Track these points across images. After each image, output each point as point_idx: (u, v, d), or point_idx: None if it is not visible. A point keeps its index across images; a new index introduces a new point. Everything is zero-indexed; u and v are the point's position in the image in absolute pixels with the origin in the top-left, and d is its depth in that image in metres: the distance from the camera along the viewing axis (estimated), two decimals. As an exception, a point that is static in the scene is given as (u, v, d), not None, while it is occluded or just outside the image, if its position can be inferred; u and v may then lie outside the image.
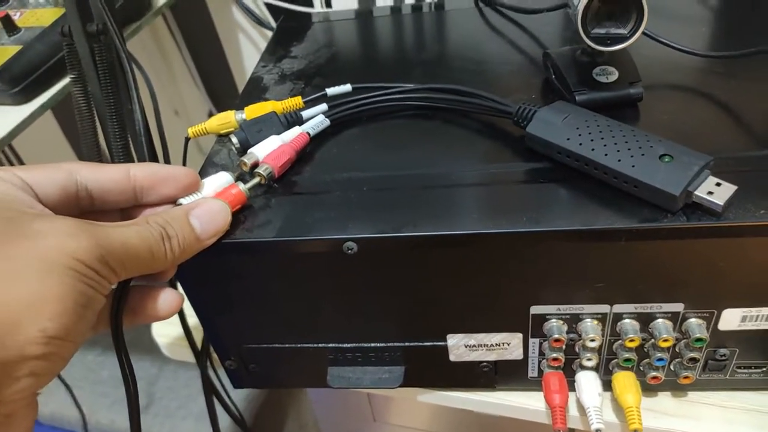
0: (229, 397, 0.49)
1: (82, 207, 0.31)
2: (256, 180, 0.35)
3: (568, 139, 0.34)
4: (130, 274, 0.28)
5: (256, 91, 0.47)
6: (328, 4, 0.75)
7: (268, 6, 0.78)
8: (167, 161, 0.48)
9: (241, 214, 0.34)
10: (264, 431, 0.96)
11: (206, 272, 0.35)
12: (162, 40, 0.90)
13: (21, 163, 0.86)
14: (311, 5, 0.75)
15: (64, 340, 0.24)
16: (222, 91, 0.93)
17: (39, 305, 0.23)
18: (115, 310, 0.31)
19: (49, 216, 0.27)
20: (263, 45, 0.85)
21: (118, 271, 0.27)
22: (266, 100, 0.43)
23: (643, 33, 0.39)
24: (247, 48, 0.88)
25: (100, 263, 0.25)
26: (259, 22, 0.80)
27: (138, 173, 0.32)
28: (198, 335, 0.46)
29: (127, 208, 0.33)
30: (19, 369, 0.23)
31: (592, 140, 0.33)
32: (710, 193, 0.30)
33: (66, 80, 0.58)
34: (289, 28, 0.57)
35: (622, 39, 0.35)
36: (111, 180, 0.31)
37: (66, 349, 0.25)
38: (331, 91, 0.43)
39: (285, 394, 1.01)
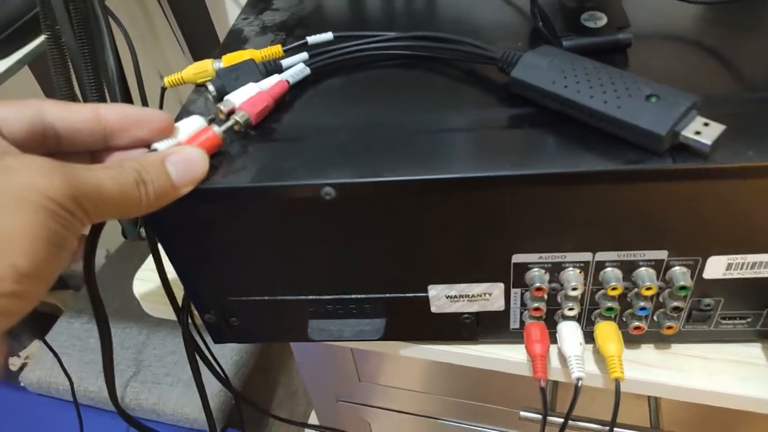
0: (212, 355, 0.49)
1: (49, 147, 0.30)
2: (230, 122, 0.34)
3: (553, 82, 0.33)
4: (102, 218, 0.27)
5: (235, 42, 0.46)
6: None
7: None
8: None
9: (215, 160, 0.33)
10: (253, 397, 0.96)
11: (180, 221, 0.34)
12: (145, 1, 0.88)
13: None
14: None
15: (35, 278, 0.23)
16: (207, 53, 0.91)
17: (10, 242, 0.22)
18: (88, 253, 0.30)
19: (18, 153, 0.26)
20: (248, 5, 0.83)
21: (91, 213, 0.26)
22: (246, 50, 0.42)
23: (633, -24, 0.38)
24: (233, 8, 0.86)
25: (72, 203, 0.25)
26: (245, -19, 0.78)
27: (108, 113, 0.31)
28: (179, 292, 0.45)
29: (97, 152, 0.32)
30: None
31: (577, 83, 0.32)
32: (698, 132, 0.29)
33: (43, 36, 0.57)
34: (272, -19, 0.56)
35: (610, -21, 0.34)
36: (79, 119, 0.30)
37: (38, 288, 0.24)
38: (311, 39, 0.42)
39: (274, 361, 1.01)
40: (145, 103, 0.53)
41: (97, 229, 0.30)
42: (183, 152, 0.31)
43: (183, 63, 0.92)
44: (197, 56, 0.92)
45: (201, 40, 0.90)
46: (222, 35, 0.89)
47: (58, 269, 0.25)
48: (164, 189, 0.29)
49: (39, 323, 1.05)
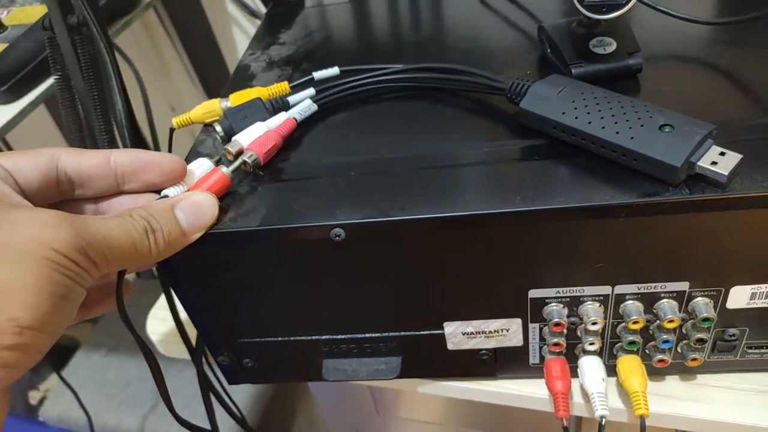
0: (227, 393, 0.48)
1: (63, 193, 0.30)
2: (239, 162, 0.33)
3: (563, 113, 0.32)
4: (112, 268, 0.27)
5: (243, 79, 0.46)
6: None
7: (261, -4, 0.77)
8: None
9: (224, 202, 0.33)
10: (272, 429, 0.95)
11: (190, 265, 0.34)
12: (155, 35, 0.89)
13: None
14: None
15: (39, 331, 0.23)
16: (218, 86, 0.92)
17: (10, 294, 0.22)
18: (119, 299, 0.31)
19: (26, 206, 0.26)
20: (257, 37, 0.83)
21: (100, 263, 0.26)
22: (253, 87, 0.42)
23: (641, 1, 0.37)
24: (242, 41, 0.86)
25: (79, 254, 0.25)
26: (252, 13, 0.78)
27: (120, 158, 0.31)
28: (193, 331, 0.45)
29: (109, 197, 0.32)
30: None
31: (588, 113, 0.31)
32: (714, 163, 0.28)
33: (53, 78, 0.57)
34: (279, 15, 0.56)
35: (617, 6, 0.34)
36: (91, 165, 0.30)
37: (41, 341, 0.24)
38: (318, 74, 0.42)
39: (292, 391, 1.00)
40: (156, 140, 0.54)
41: (120, 277, 0.31)
42: (192, 198, 0.31)
43: (195, 96, 0.93)
44: (209, 89, 0.92)
45: (212, 73, 0.91)
46: (232, 67, 0.90)
47: (65, 321, 0.25)
48: (174, 237, 0.29)
49: (58, 356, 1.05)
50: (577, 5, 0.34)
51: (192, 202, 0.31)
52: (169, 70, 0.93)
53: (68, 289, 0.24)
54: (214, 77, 0.92)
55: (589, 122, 0.31)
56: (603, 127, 0.30)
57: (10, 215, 0.24)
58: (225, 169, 0.33)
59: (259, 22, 0.81)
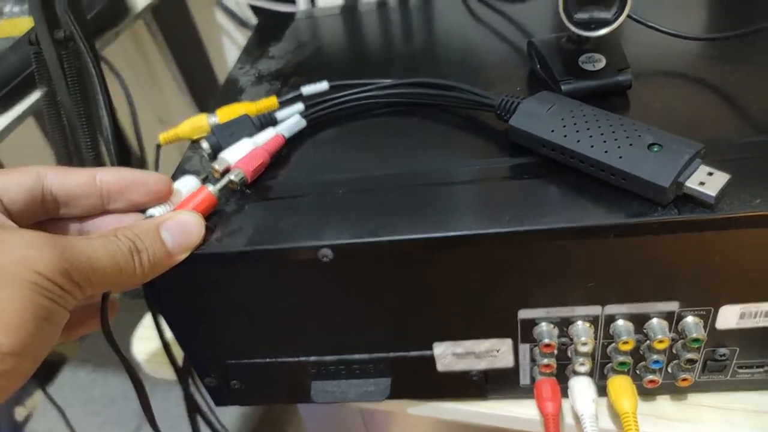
0: (214, 415, 0.48)
1: (48, 212, 0.30)
2: (225, 181, 0.33)
3: (552, 131, 0.32)
4: (96, 290, 0.27)
5: (231, 93, 0.46)
6: (313, 3, 0.73)
7: (252, 7, 0.76)
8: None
9: (211, 221, 0.33)
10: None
11: (176, 285, 0.33)
12: (144, 47, 0.89)
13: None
14: (294, 4, 0.73)
15: (21, 356, 0.23)
16: (208, 97, 0.92)
17: None
18: (104, 321, 0.31)
19: (11, 227, 0.26)
20: (247, 49, 0.83)
21: (84, 285, 0.25)
22: (241, 102, 0.42)
23: (631, 18, 0.37)
24: (232, 52, 0.86)
25: (62, 277, 0.24)
26: (243, 24, 0.78)
27: (105, 177, 0.31)
28: (179, 350, 0.44)
29: (94, 216, 0.32)
30: None
31: (577, 131, 0.31)
32: (702, 183, 0.28)
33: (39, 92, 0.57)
34: (269, 27, 0.56)
35: (606, 23, 0.34)
36: (76, 184, 0.30)
37: (23, 366, 0.23)
38: (306, 90, 0.41)
39: (281, 413, 0.99)
40: (143, 153, 0.53)
41: (104, 298, 0.30)
42: (178, 218, 0.30)
43: (184, 107, 0.93)
44: (198, 99, 0.92)
45: (201, 84, 0.91)
46: (221, 77, 0.89)
47: (48, 344, 0.25)
48: (159, 257, 0.29)
49: (44, 372, 1.04)
50: (566, 22, 0.34)
51: (178, 222, 0.30)
52: (158, 81, 0.93)
53: (51, 312, 0.24)
54: (204, 87, 0.91)
55: (578, 141, 0.31)
56: (592, 146, 0.30)
57: None
58: (211, 188, 0.33)
59: (249, 32, 0.81)
